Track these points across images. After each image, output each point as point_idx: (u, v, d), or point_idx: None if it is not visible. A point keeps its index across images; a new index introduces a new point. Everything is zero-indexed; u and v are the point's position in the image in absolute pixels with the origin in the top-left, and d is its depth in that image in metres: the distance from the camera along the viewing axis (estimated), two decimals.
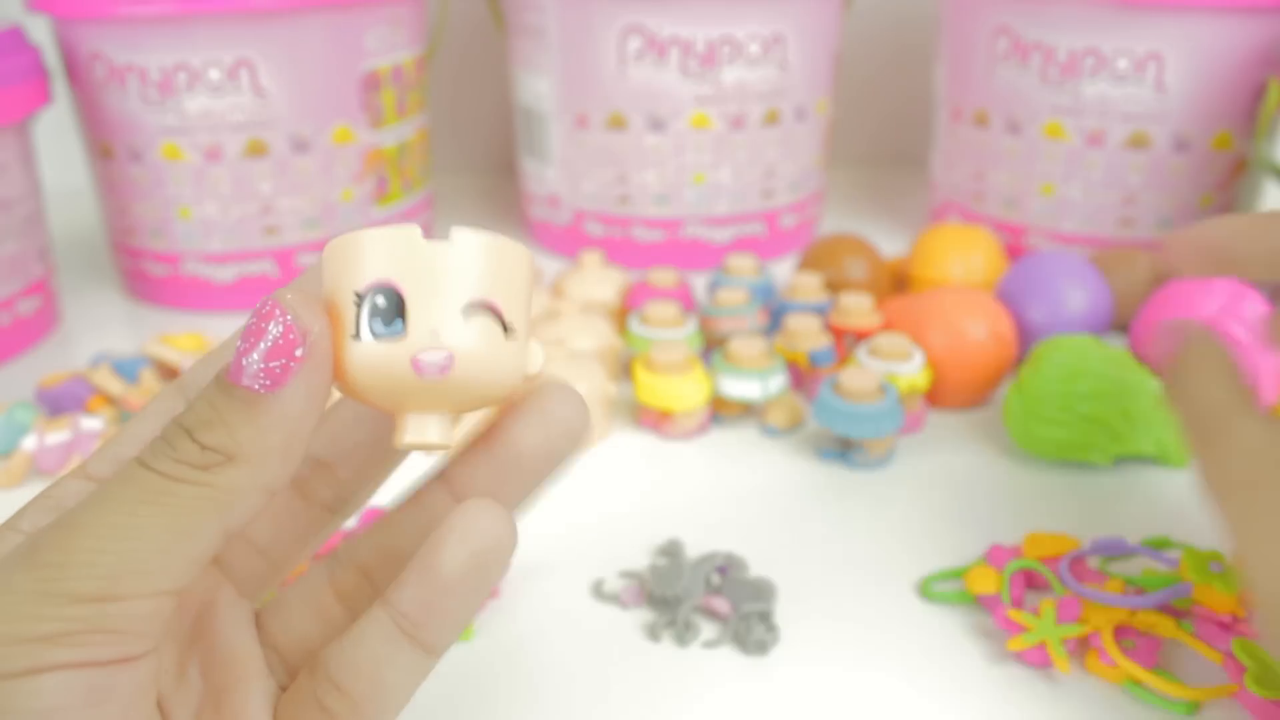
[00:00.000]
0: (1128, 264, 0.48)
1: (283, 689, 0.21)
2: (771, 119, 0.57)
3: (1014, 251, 0.57)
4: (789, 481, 0.38)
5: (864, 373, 0.39)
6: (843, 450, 0.40)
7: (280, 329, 0.18)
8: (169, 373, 0.45)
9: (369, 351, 0.18)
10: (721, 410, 0.43)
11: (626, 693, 0.28)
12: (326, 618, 0.22)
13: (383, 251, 0.18)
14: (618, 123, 0.56)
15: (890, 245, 0.64)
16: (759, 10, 0.54)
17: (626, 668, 0.29)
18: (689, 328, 0.45)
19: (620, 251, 0.59)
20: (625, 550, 0.34)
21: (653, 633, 0.30)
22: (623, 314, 0.49)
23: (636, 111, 0.56)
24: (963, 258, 0.50)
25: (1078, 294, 0.45)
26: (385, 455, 0.23)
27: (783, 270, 0.60)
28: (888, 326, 0.45)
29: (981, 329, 0.42)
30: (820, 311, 0.46)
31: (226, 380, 0.18)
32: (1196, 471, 0.27)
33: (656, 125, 0.56)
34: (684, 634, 0.30)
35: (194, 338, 0.46)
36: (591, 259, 0.51)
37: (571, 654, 0.30)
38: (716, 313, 0.46)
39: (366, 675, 0.19)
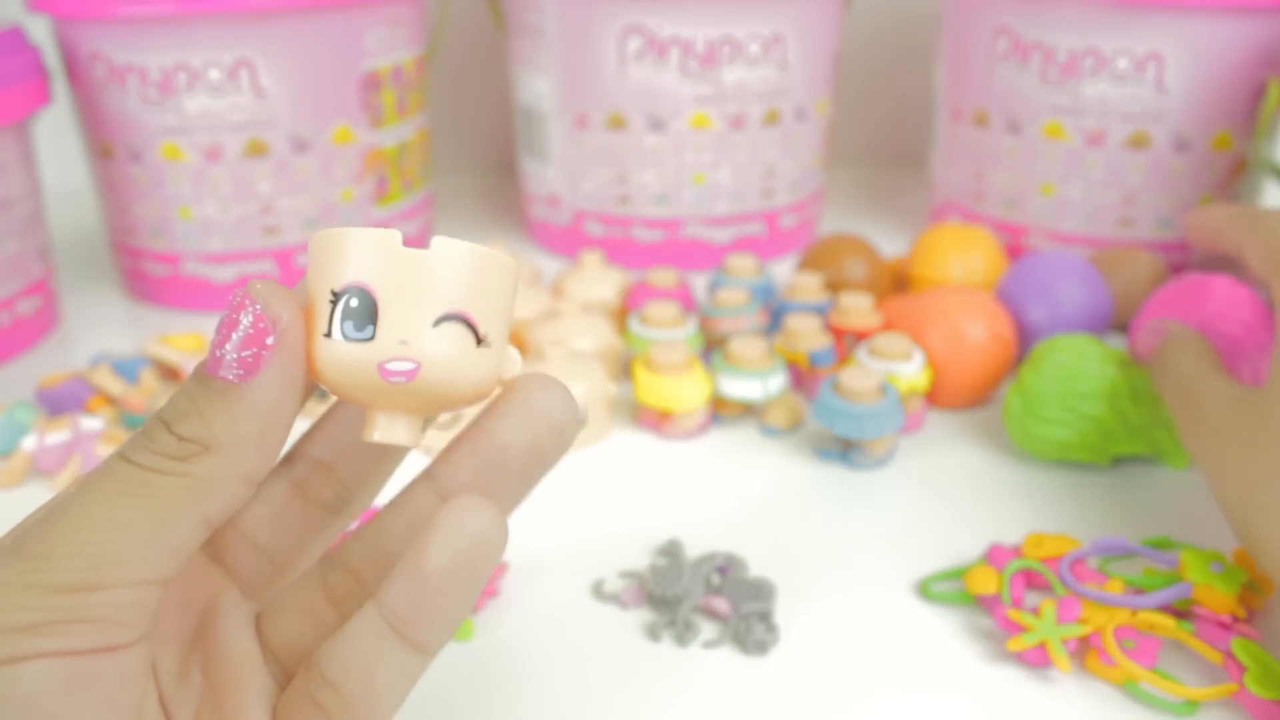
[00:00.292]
0: (1128, 264, 0.48)
1: (281, 690, 0.21)
2: (771, 119, 0.57)
3: (1014, 251, 0.57)
4: (789, 481, 0.39)
5: (864, 373, 0.39)
6: (843, 450, 0.40)
7: (251, 318, 0.18)
8: (169, 373, 0.45)
9: (339, 351, 0.18)
10: (721, 410, 0.43)
11: (627, 693, 0.28)
12: (319, 620, 0.22)
13: (362, 253, 0.18)
14: (618, 123, 0.56)
15: (890, 245, 0.64)
16: (759, 10, 0.54)
17: (626, 668, 0.29)
18: (689, 328, 0.45)
19: (620, 251, 0.59)
20: (625, 550, 0.34)
21: (653, 633, 0.30)
22: (623, 314, 0.49)
23: (636, 111, 0.56)
24: (963, 258, 0.50)
25: (1078, 294, 0.45)
26: (385, 454, 0.23)
27: (783, 270, 0.60)
28: (888, 326, 0.45)
29: (981, 329, 0.42)
30: (820, 311, 0.46)
31: (204, 372, 0.18)
32: (1181, 436, 0.32)
33: (656, 125, 0.56)
34: (684, 634, 0.30)
35: (194, 338, 0.46)
36: (591, 259, 0.51)
37: (571, 654, 0.30)
38: (716, 313, 0.46)
39: (358, 673, 0.19)
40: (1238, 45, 0.49)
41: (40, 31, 0.60)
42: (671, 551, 0.33)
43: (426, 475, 0.22)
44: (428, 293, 0.18)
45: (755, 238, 0.60)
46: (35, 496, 0.38)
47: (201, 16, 0.48)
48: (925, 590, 0.32)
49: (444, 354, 0.18)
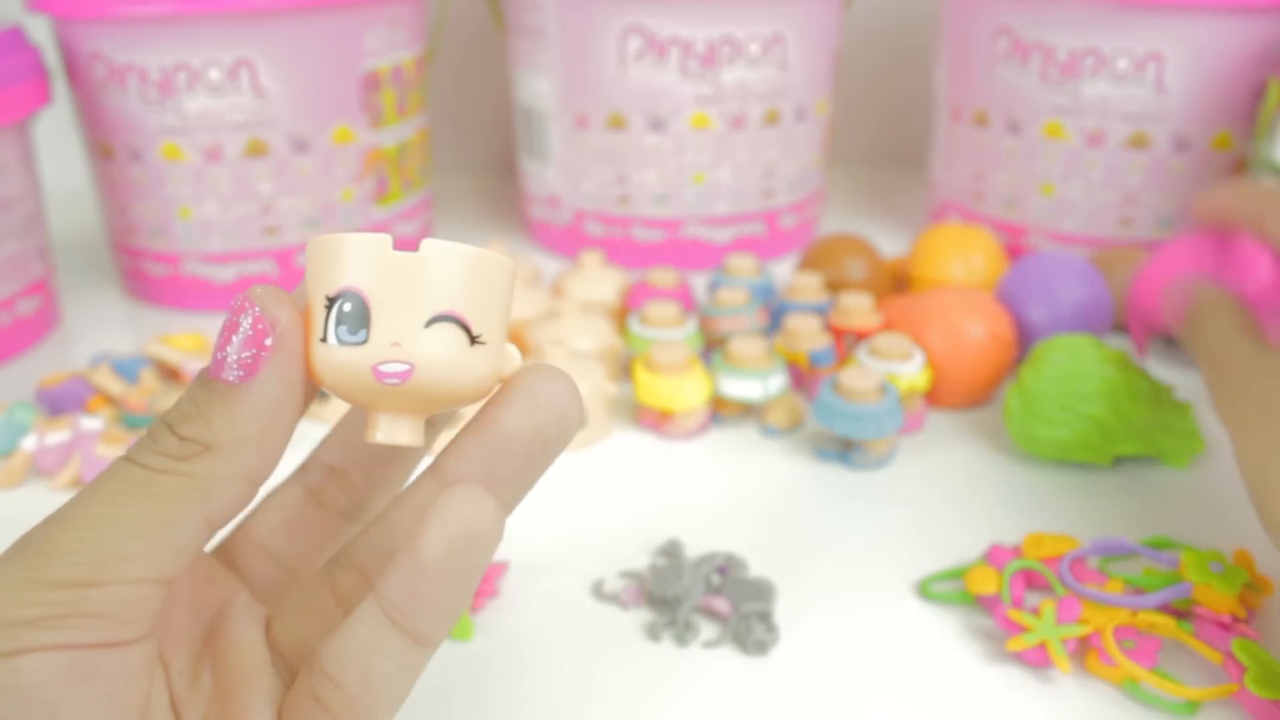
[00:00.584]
0: (1128, 264, 0.48)
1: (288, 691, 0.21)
2: (771, 119, 0.57)
3: (1014, 251, 0.57)
4: (789, 481, 0.38)
5: (864, 373, 0.38)
6: (843, 450, 0.40)
7: (250, 320, 0.19)
8: (169, 373, 0.45)
9: (334, 355, 0.19)
10: (721, 410, 0.43)
11: (627, 693, 0.28)
12: (326, 619, 0.22)
13: (354, 258, 0.19)
14: (618, 123, 0.56)
15: (890, 245, 0.64)
16: (759, 10, 0.54)
17: (626, 668, 0.29)
18: (689, 328, 0.45)
19: (620, 251, 0.59)
20: (625, 550, 0.34)
21: (653, 633, 0.30)
22: (623, 314, 0.49)
23: (636, 111, 0.56)
24: (963, 258, 0.50)
25: (1078, 294, 0.45)
26: (397, 459, 0.23)
27: (783, 270, 0.60)
28: (888, 326, 0.45)
29: (981, 329, 0.42)
30: (820, 311, 0.46)
31: (206, 376, 0.19)
32: (1211, 400, 0.32)
33: (656, 125, 0.56)
34: (684, 634, 0.30)
35: (194, 338, 0.46)
36: (591, 259, 0.51)
37: (571, 654, 0.30)
38: (716, 313, 0.46)
39: (357, 666, 0.19)
40: (1238, 45, 0.49)
41: (40, 31, 0.60)
42: (671, 551, 0.33)
43: (432, 469, 0.22)
44: (419, 295, 0.18)
45: (755, 238, 0.60)
46: (35, 496, 0.38)
47: (201, 16, 0.48)
48: (925, 590, 0.32)
49: (437, 354, 0.19)
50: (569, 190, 0.59)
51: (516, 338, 0.46)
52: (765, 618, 0.30)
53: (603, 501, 0.37)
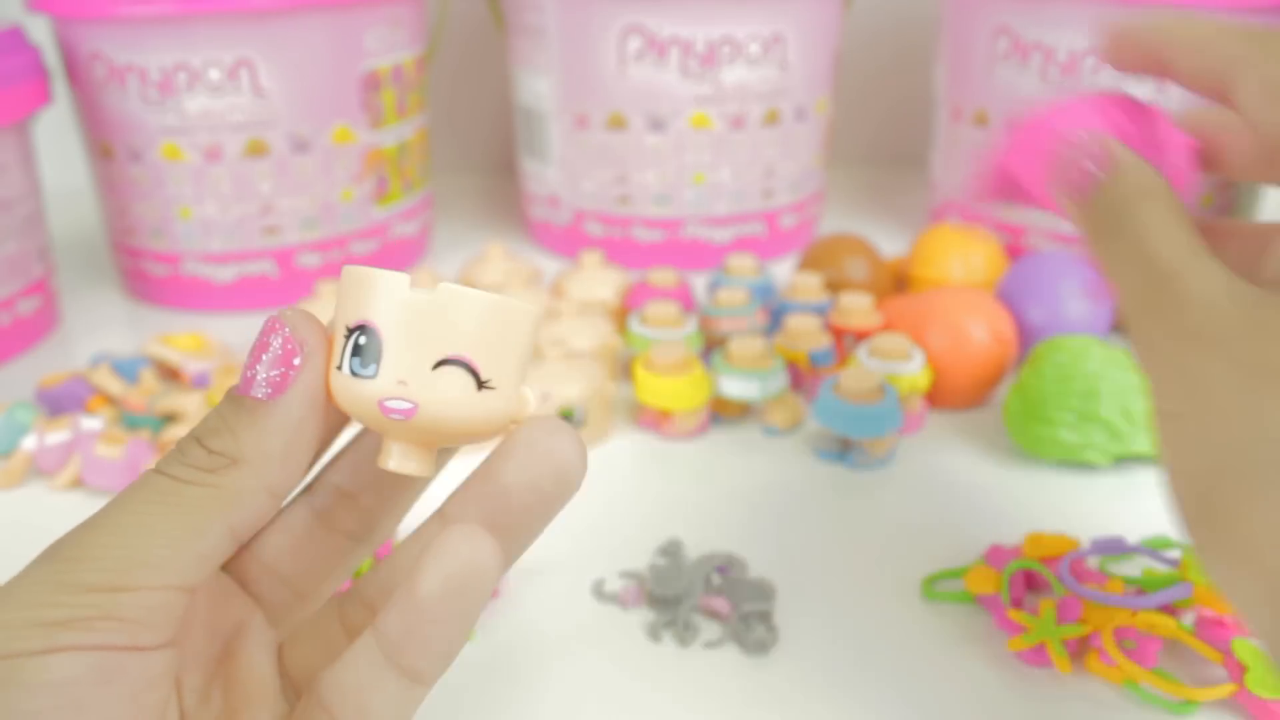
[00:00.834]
0: None
1: None
2: (771, 119, 0.57)
3: (1014, 251, 0.57)
4: (789, 481, 0.39)
5: (864, 373, 0.38)
6: (842, 450, 0.40)
7: (280, 341, 0.20)
8: (169, 373, 0.45)
9: (347, 384, 0.19)
10: (721, 410, 0.43)
11: (626, 693, 0.28)
12: (335, 651, 0.22)
13: (374, 294, 0.19)
14: (618, 123, 0.56)
15: (890, 245, 0.64)
16: (759, 10, 0.54)
17: (626, 668, 0.29)
18: (689, 328, 0.45)
19: (620, 251, 0.59)
20: (625, 550, 0.34)
21: (653, 633, 0.30)
22: (623, 314, 0.49)
23: (636, 111, 0.56)
24: (963, 258, 0.50)
25: (1078, 294, 0.45)
26: (407, 484, 0.23)
27: (783, 270, 0.60)
28: (888, 326, 0.45)
29: (981, 329, 0.42)
30: (820, 311, 0.46)
31: (235, 393, 0.20)
32: (1136, 348, 0.22)
33: (656, 125, 0.56)
34: (684, 634, 0.30)
35: (194, 338, 0.46)
36: (591, 259, 0.51)
37: (571, 654, 0.30)
38: (716, 313, 0.46)
39: (353, 700, 0.19)
40: None
41: (40, 31, 0.60)
42: (671, 551, 0.33)
43: (439, 512, 0.22)
44: (430, 336, 0.19)
45: (755, 238, 0.60)
46: (35, 496, 0.38)
47: (201, 16, 0.48)
48: (925, 590, 0.32)
49: (441, 396, 0.19)
50: (569, 190, 0.59)
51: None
52: (765, 618, 0.30)
53: (602, 501, 0.37)
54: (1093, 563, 0.33)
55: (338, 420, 0.21)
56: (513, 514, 0.21)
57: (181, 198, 0.52)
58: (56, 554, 0.18)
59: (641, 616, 0.31)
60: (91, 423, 0.39)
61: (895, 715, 0.28)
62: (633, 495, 0.38)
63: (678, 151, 0.56)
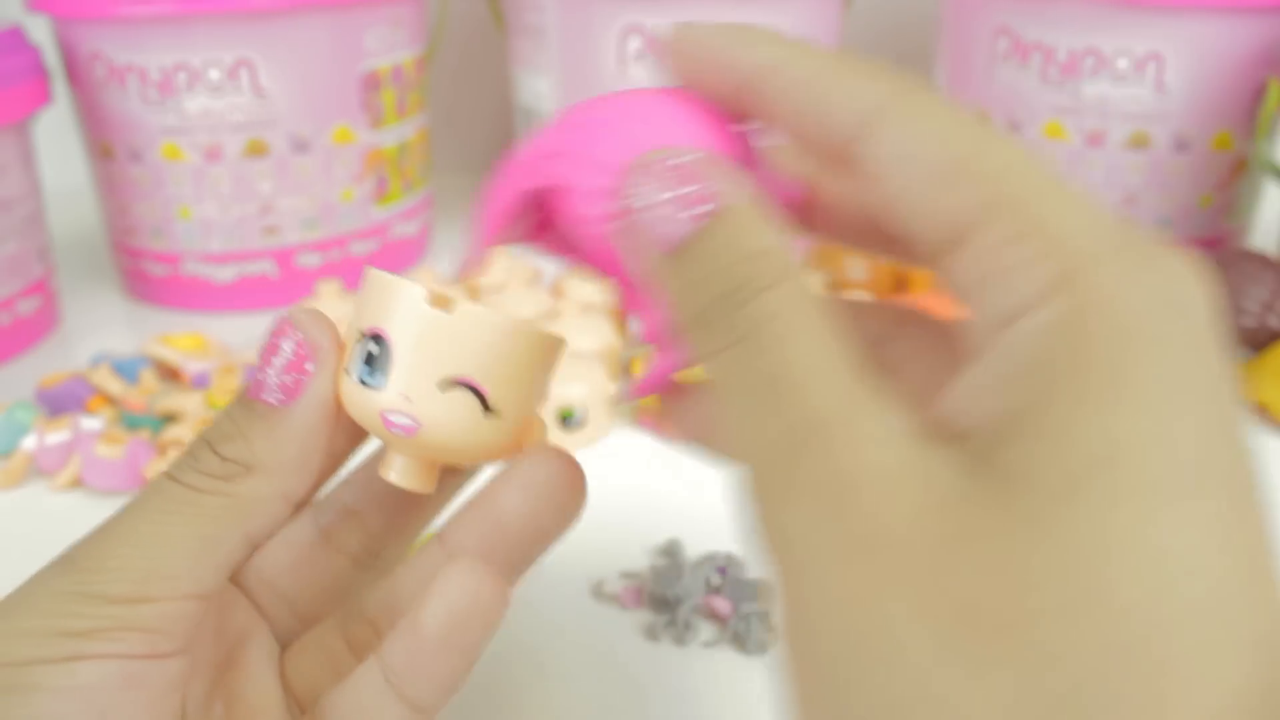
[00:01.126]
0: None
1: None
2: None
3: None
4: None
5: None
6: None
7: (292, 345, 0.19)
8: (169, 373, 0.45)
9: (353, 390, 0.19)
10: None
11: (626, 693, 0.28)
12: (339, 666, 0.22)
13: (392, 303, 0.19)
14: None
15: None
16: (759, 10, 0.54)
17: (626, 668, 0.29)
18: None
19: None
20: (625, 550, 0.34)
21: (652, 633, 0.30)
22: (623, 314, 0.49)
23: None
24: None
25: None
26: (415, 507, 0.23)
27: None
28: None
29: None
30: None
31: (246, 396, 0.19)
32: (762, 525, 0.15)
33: None
34: (684, 634, 0.30)
35: (194, 338, 0.46)
36: None
37: (571, 654, 0.30)
38: None
39: None
40: (1238, 45, 0.49)
41: (40, 31, 0.60)
42: (671, 551, 0.33)
43: (439, 536, 0.22)
44: (440, 354, 0.19)
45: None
46: (35, 496, 0.38)
47: (201, 16, 0.48)
48: None
49: (442, 417, 0.19)
50: None
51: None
52: (765, 618, 0.30)
53: (603, 501, 0.37)
54: None
55: (357, 429, 0.21)
56: (510, 545, 0.21)
57: (181, 198, 0.52)
58: (75, 563, 0.18)
59: (641, 616, 0.31)
60: (91, 423, 0.39)
61: None
62: (633, 495, 0.38)
63: None
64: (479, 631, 0.19)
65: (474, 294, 0.50)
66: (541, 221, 0.21)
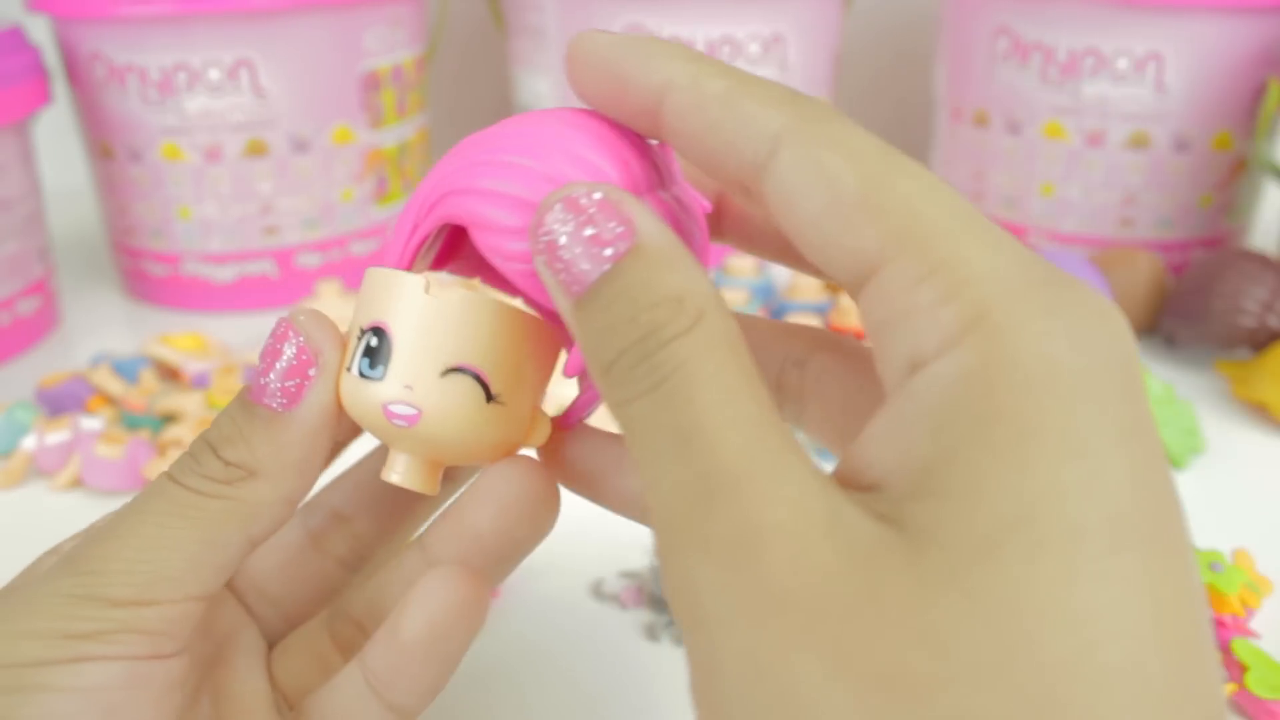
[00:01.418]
0: (1128, 264, 0.48)
1: None
2: None
3: None
4: None
5: None
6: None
7: (294, 350, 0.19)
8: (169, 373, 0.45)
9: (354, 386, 0.19)
10: None
11: (626, 693, 0.28)
12: (326, 665, 0.22)
13: (391, 295, 0.18)
14: None
15: None
16: (759, 10, 0.54)
17: (626, 668, 0.29)
18: None
19: None
20: (625, 550, 0.34)
21: (652, 633, 0.30)
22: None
23: None
24: None
25: None
26: (404, 513, 0.23)
27: (782, 270, 0.60)
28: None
29: None
30: (820, 311, 0.46)
31: (247, 399, 0.19)
32: (668, 577, 0.15)
33: None
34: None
35: (194, 338, 0.46)
36: None
37: (571, 654, 0.30)
38: None
39: None
40: (1238, 45, 0.49)
41: (40, 31, 0.60)
42: None
43: (418, 542, 0.22)
44: (440, 341, 0.18)
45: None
46: (35, 496, 0.38)
47: (201, 16, 0.48)
48: None
49: (445, 405, 0.18)
50: None
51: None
52: None
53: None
54: None
55: (351, 426, 0.21)
56: (487, 555, 0.21)
57: (181, 198, 0.52)
58: (77, 565, 0.18)
59: (641, 616, 0.31)
60: (91, 423, 0.39)
61: None
62: None
63: None
64: (459, 639, 0.19)
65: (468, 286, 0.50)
66: (449, 247, 0.21)
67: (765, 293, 0.49)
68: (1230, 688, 0.27)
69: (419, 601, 0.19)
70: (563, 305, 0.16)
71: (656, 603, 0.31)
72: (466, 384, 0.18)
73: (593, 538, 0.35)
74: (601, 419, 0.41)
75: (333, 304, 0.49)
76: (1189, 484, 0.38)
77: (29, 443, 0.39)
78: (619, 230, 0.15)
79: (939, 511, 0.13)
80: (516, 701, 0.28)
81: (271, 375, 0.19)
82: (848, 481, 0.15)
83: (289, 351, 0.19)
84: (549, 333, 0.19)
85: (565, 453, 0.21)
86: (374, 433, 0.20)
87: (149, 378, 0.43)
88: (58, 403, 0.42)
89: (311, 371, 0.19)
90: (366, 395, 0.19)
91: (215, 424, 0.19)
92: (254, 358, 0.45)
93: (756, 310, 0.46)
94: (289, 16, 0.50)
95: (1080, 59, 0.51)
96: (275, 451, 0.19)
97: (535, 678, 0.29)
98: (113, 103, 0.51)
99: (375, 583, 0.22)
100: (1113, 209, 0.54)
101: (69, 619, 0.17)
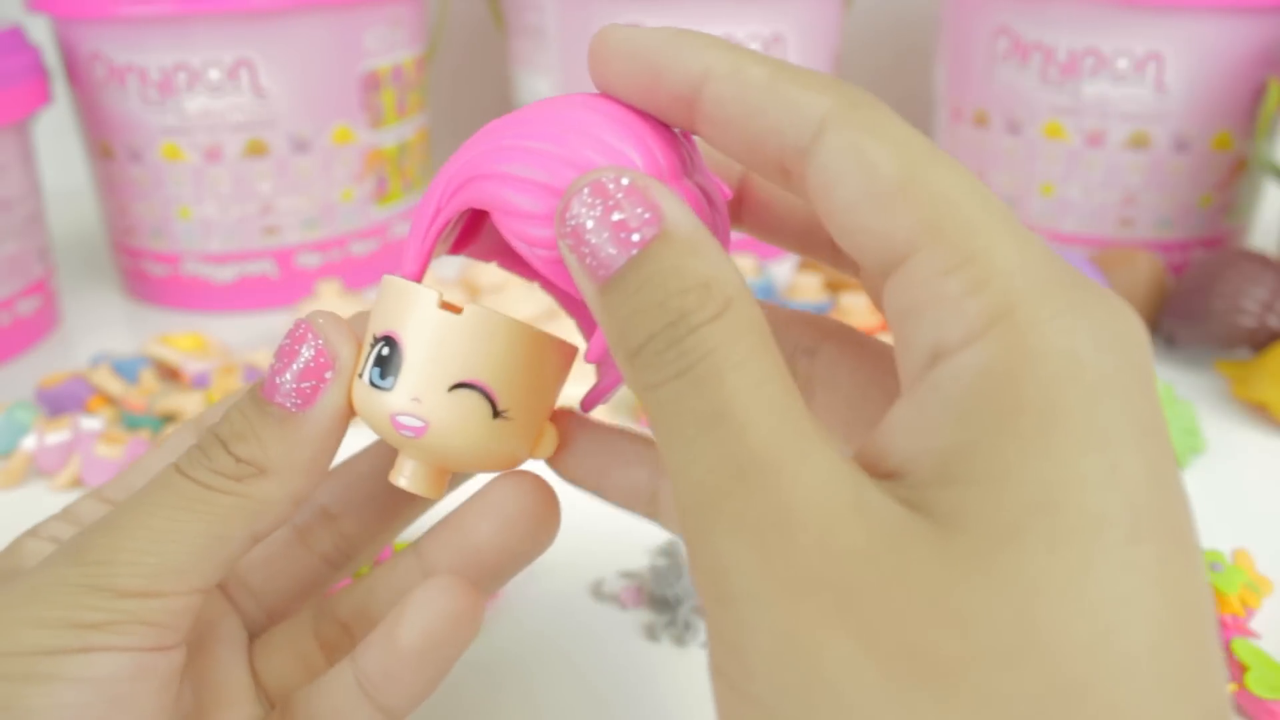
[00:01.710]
0: (1128, 264, 0.48)
1: None
2: None
3: None
4: None
5: None
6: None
7: (312, 352, 0.19)
8: (169, 373, 0.45)
9: (365, 393, 0.19)
10: None
11: (626, 693, 0.28)
12: (309, 663, 0.22)
13: (403, 306, 0.19)
14: None
15: None
16: (759, 10, 0.54)
17: (626, 668, 0.29)
18: None
19: None
20: (625, 550, 0.34)
21: (652, 633, 0.30)
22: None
23: None
24: None
25: None
26: (392, 513, 0.23)
27: (783, 270, 0.60)
28: (888, 326, 0.45)
29: None
30: (820, 311, 0.46)
31: (260, 395, 0.19)
32: (696, 559, 0.15)
33: None
34: (683, 634, 0.30)
35: (194, 338, 0.46)
36: None
37: (571, 654, 0.30)
38: None
39: None
40: (1238, 45, 0.49)
41: (40, 31, 0.60)
42: (671, 551, 0.33)
43: (415, 548, 0.22)
44: (450, 357, 0.18)
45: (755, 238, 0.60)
46: (35, 496, 0.38)
47: (201, 16, 0.48)
48: None
49: (451, 419, 0.19)
50: None
51: None
52: None
53: (603, 501, 0.37)
54: None
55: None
56: (484, 567, 0.21)
57: (181, 198, 0.52)
58: (84, 555, 0.18)
59: (641, 616, 0.31)
60: (91, 423, 0.39)
61: None
62: None
63: None
64: (454, 647, 0.20)
65: (473, 294, 0.50)
66: (466, 232, 0.21)
67: (765, 292, 0.49)
68: (1230, 687, 0.27)
69: (418, 609, 0.19)
70: (587, 290, 0.16)
71: (656, 603, 0.31)
72: (474, 400, 0.19)
73: (593, 538, 0.35)
74: (603, 412, 0.41)
75: (333, 304, 0.49)
76: (1189, 484, 0.38)
77: (29, 443, 0.39)
78: (646, 216, 0.15)
79: (963, 497, 0.14)
80: (516, 701, 0.28)
81: (287, 375, 0.19)
82: (867, 468, 0.15)
83: (306, 353, 0.19)
84: (558, 349, 0.20)
85: (570, 447, 0.21)
86: (383, 437, 0.20)
87: (149, 378, 0.43)
88: (58, 403, 0.42)
89: (328, 374, 0.19)
90: (376, 403, 0.19)
91: (226, 419, 0.19)
92: (254, 358, 0.45)
93: None
94: (289, 16, 0.50)
95: (1080, 59, 0.51)
96: (286, 451, 0.19)
97: (535, 677, 0.29)
98: (113, 103, 0.51)
99: (365, 586, 0.22)
100: (1113, 209, 0.54)
101: (77, 608, 0.18)
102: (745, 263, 0.49)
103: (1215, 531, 0.35)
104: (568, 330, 0.44)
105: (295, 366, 0.19)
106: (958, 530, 0.13)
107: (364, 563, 0.24)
